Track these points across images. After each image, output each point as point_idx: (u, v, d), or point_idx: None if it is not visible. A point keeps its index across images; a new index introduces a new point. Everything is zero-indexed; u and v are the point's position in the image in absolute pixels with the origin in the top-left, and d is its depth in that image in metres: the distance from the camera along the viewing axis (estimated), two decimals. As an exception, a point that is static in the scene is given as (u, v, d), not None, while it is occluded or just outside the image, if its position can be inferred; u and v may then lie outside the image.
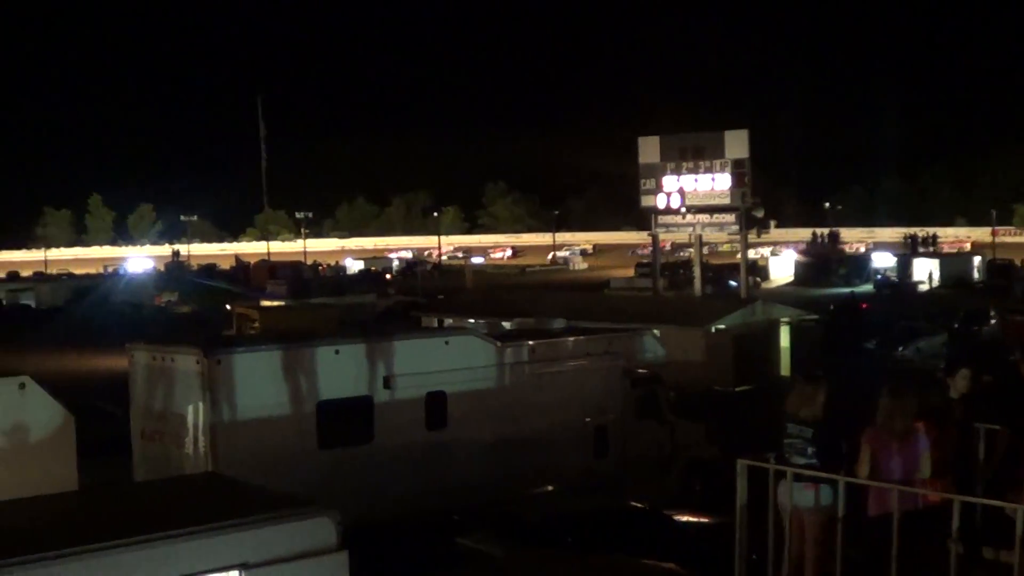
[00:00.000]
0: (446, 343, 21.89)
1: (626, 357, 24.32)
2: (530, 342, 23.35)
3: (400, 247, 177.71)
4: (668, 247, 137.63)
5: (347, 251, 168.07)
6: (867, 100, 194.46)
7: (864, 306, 59.87)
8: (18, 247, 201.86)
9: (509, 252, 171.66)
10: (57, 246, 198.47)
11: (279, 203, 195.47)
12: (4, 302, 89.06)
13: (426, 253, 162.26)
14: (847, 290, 78.35)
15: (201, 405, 18.46)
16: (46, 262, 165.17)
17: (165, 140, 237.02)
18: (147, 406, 19.90)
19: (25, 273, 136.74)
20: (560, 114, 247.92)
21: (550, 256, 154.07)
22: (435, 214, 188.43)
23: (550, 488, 21.08)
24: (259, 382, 18.96)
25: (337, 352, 20.12)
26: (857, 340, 46.33)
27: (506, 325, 31.40)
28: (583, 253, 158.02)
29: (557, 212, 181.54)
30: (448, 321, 38.88)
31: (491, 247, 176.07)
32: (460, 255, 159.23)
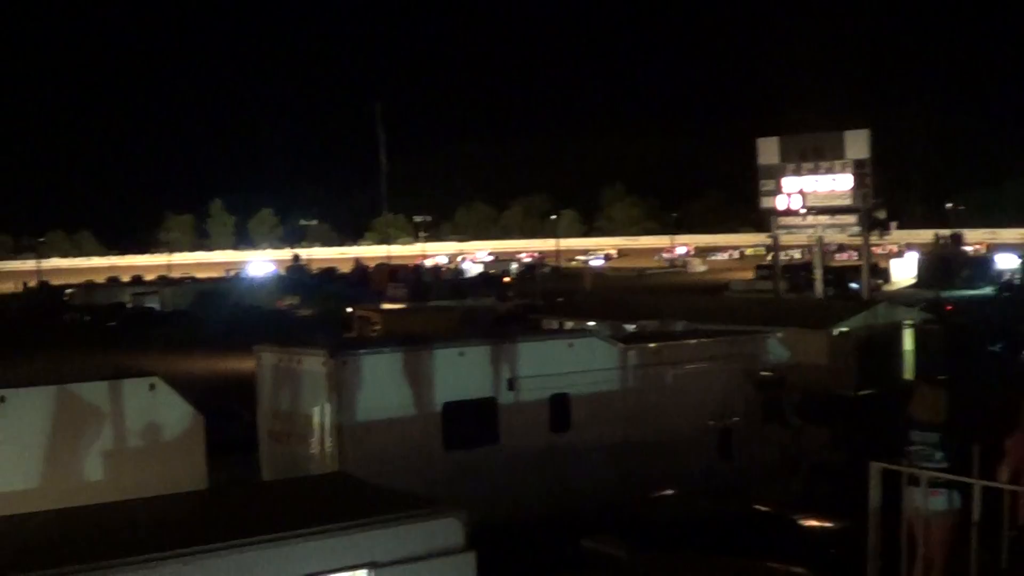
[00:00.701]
0: (570, 345, 21.83)
1: (749, 360, 24.09)
2: (653, 344, 23.23)
3: (517, 250, 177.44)
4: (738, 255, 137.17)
5: (464, 254, 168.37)
6: (990, 100, 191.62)
7: (949, 308, 58.28)
8: (142, 252, 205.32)
9: (613, 254, 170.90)
10: (180, 250, 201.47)
11: (399, 207, 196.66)
12: (129, 305, 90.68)
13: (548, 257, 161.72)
14: (970, 292, 77.00)
15: (327, 406, 18.60)
16: (169, 266, 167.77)
17: (286, 145, 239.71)
18: (274, 407, 20.11)
19: (149, 277, 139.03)
20: (679, 116, 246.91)
21: (657, 258, 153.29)
22: (553, 217, 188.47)
23: (674, 491, 20.94)
24: (384, 383, 19.07)
25: (462, 354, 20.18)
26: (981, 343, 45.39)
27: (628, 328, 31.26)
28: (607, 258, 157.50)
29: (675, 215, 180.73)
30: (569, 324, 38.75)
31: (594, 249, 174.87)
32: (578, 258, 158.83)
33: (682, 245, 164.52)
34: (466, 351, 20.31)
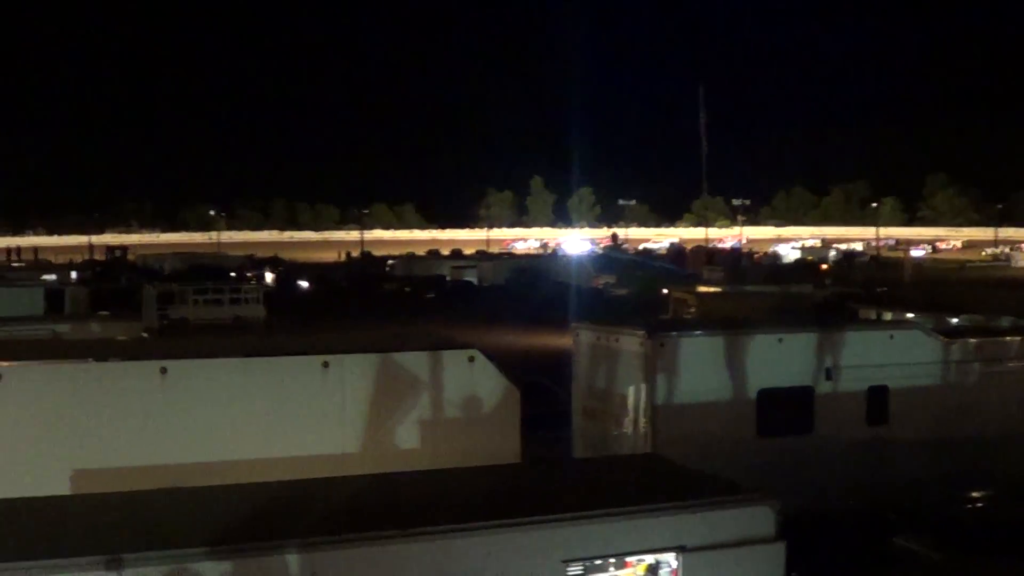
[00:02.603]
0: (891, 337, 21.26)
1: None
2: (977, 339, 22.43)
3: (837, 237, 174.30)
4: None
5: (782, 240, 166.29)
6: None
7: None
8: (462, 226, 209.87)
9: (929, 248, 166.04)
10: (499, 226, 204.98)
11: (717, 189, 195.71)
12: (449, 278, 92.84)
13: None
14: None
15: (643, 386, 18.60)
16: (488, 241, 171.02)
17: (607, 125, 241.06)
18: (589, 384, 20.23)
19: (468, 251, 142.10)
20: (1005, 106, 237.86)
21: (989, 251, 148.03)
22: (874, 205, 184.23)
23: (993, 493, 20.18)
24: (701, 366, 18.92)
25: (780, 340, 19.88)
26: None
27: (950, 320, 30.27)
28: (934, 248, 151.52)
29: (1000, 206, 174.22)
30: (888, 315, 37.81)
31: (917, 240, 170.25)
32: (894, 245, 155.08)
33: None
34: (785, 337, 19.97)
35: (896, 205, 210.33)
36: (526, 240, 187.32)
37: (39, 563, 8.78)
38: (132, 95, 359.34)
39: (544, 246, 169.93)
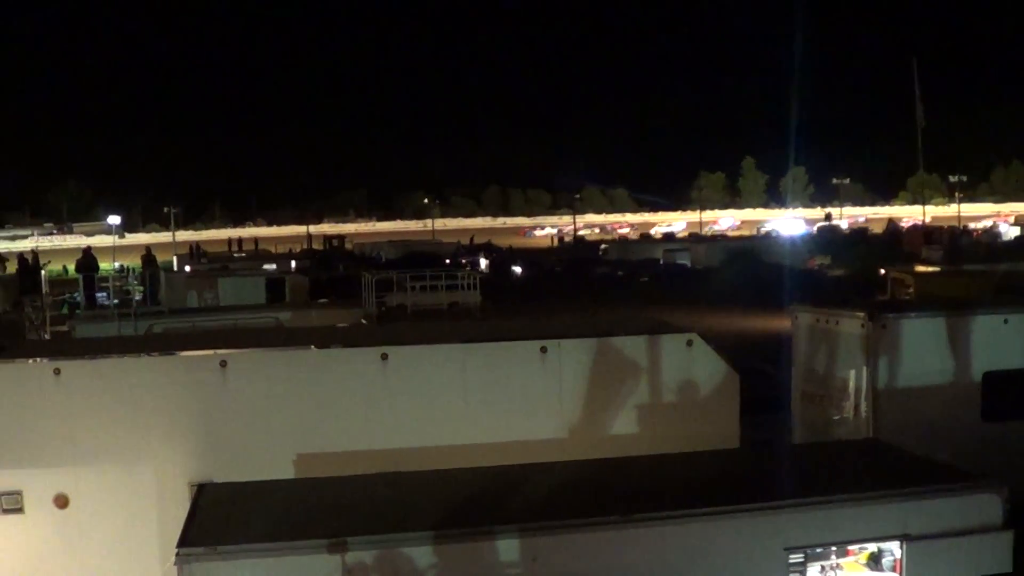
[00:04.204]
0: None
1: None
2: None
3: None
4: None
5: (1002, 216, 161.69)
6: None
7: None
8: (674, 209, 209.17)
9: None
10: (711, 208, 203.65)
11: (933, 166, 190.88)
12: (662, 261, 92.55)
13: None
14: None
15: (864, 369, 18.25)
16: (700, 223, 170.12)
17: (819, 103, 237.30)
18: (808, 368, 19.93)
19: (681, 234, 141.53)
20: None
21: None
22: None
23: None
24: (923, 348, 18.41)
25: (1006, 321, 19.26)
26: None
27: None
28: None
29: None
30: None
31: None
32: None
33: None
34: (1011, 318, 19.35)
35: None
36: (542, 228, 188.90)
37: (264, 545, 9.03)
38: (348, 89, 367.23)
39: (557, 233, 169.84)
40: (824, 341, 19.48)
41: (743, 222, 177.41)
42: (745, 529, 9.72)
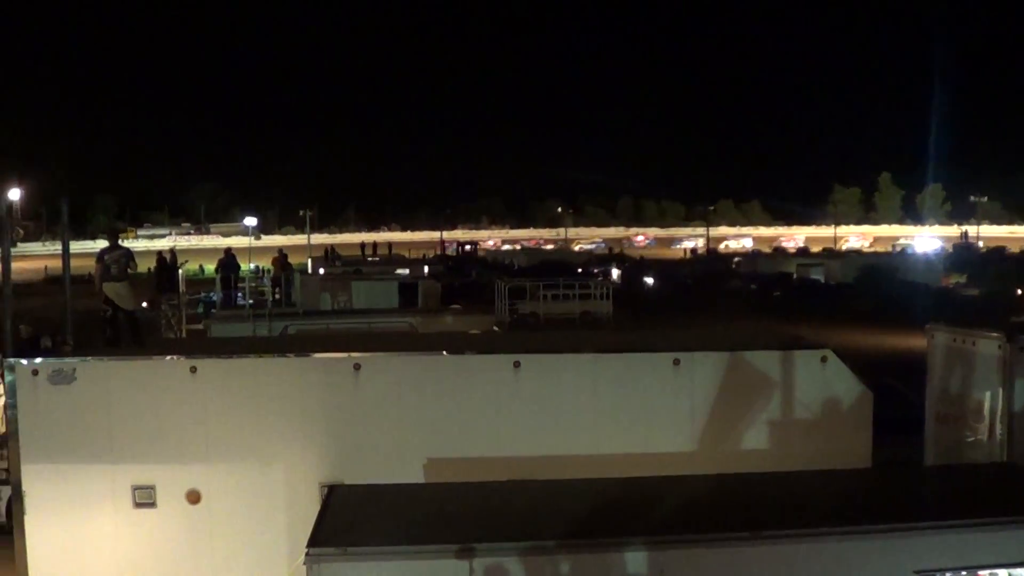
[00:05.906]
0: None
1: None
2: None
3: None
4: None
5: None
6: None
7: None
8: (807, 223, 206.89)
9: None
10: (846, 223, 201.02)
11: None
12: (795, 276, 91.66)
13: None
14: None
15: (1000, 391, 17.92)
16: (835, 238, 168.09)
17: (959, 119, 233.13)
18: (943, 388, 19.58)
19: (815, 249, 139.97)
20: None
21: None
22: None
23: None
24: None
25: None
26: None
27: None
28: None
29: None
30: None
31: None
32: None
33: None
34: None
35: None
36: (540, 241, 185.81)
37: (393, 548, 9.14)
38: (489, 97, 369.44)
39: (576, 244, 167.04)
40: (960, 361, 19.14)
41: (876, 239, 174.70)
42: (876, 550, 9.63)
